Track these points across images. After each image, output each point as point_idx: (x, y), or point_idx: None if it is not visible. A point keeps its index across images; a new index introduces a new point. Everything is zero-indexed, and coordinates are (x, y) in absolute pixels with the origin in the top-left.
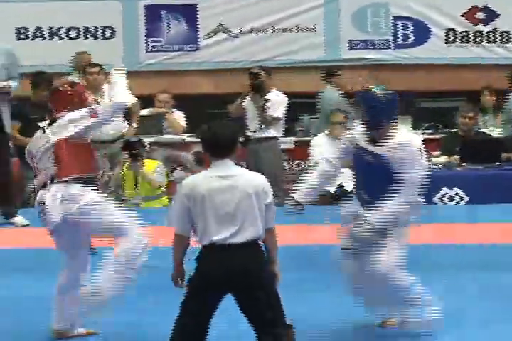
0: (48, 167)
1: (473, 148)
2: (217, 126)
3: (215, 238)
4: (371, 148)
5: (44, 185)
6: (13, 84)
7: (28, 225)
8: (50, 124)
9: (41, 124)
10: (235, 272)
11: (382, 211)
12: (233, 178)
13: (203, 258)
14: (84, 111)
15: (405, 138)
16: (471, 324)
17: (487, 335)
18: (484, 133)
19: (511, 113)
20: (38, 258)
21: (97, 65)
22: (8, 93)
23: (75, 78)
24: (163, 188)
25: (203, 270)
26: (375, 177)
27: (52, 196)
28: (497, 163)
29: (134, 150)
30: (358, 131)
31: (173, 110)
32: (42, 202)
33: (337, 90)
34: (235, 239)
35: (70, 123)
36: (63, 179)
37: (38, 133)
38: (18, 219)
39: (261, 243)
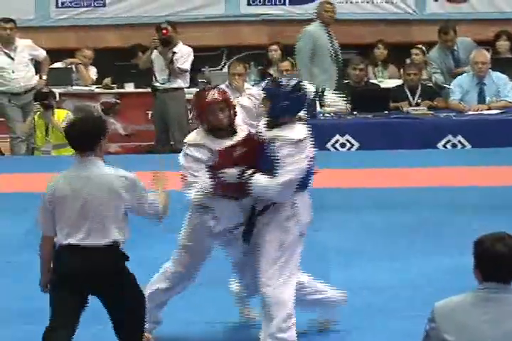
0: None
1: (363, 98)
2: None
3: (69, 240)
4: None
5: None
6: None
7: None
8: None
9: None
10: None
11: None
12: (89, 179)
13: (60, 258)
14: None
15: None
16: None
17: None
18: (374, 84)
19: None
20: None
21: (10, 20)
22: None
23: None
24: None
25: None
26: None
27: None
28: (385, 112)
29: (45, 100)
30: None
31: (89, 65)
32: None
33: None
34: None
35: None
36: None
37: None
38: None
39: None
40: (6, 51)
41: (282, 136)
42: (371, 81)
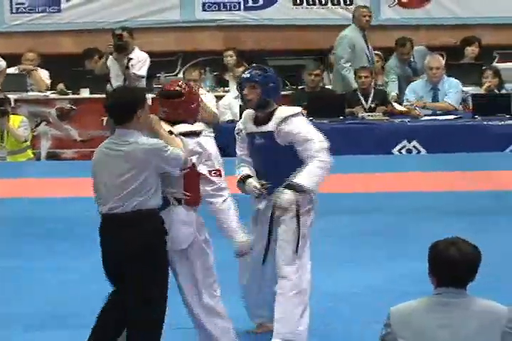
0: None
1: (318, 103)
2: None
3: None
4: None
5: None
6: None
7: None
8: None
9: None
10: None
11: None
12: (120, 151)
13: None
14: None
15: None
16: None
17: None
18: (329, 89)
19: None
20: None
21: None
22: None
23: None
24: (28, 142)
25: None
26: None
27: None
28: (341, 117)
29: (0, 106)
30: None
31: (38, 68)
32: None
33: None
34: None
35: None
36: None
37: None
38: None
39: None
40: None
41: (285, 115)
42: (326, 86)
